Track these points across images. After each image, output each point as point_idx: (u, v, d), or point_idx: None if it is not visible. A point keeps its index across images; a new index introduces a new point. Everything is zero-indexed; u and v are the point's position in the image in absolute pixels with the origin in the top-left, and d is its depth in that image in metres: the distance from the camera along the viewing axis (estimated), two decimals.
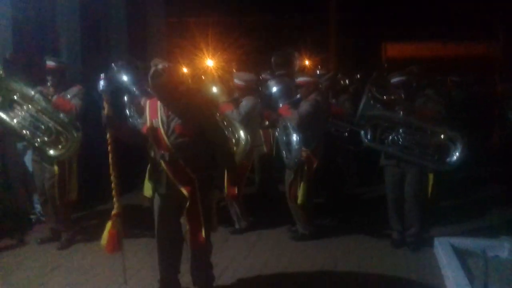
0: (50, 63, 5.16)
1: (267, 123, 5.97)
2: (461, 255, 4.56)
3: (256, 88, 6.11)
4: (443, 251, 4.62)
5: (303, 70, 8.65)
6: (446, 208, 6.30)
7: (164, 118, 3.73)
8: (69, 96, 5.13)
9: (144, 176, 4.04)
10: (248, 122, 5.41)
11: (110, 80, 4.11)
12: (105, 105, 3.73)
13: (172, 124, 3.71)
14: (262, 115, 5.96)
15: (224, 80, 5.99)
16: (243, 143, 5.12)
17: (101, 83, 3.77)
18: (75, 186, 5.29)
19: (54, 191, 5.13)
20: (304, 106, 5.19)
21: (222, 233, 5.44)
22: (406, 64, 7.03)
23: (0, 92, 4.93)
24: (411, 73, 5.23)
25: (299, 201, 5.25)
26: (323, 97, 5.46)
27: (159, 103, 3.78)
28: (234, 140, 5.17)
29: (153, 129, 3.73)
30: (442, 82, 9.38)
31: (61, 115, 4.98)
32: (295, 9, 15.89)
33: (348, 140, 5.98)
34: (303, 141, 5.07)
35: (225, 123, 5.28)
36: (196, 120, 3.73)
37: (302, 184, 5.22)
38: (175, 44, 11.88)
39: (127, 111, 5.34)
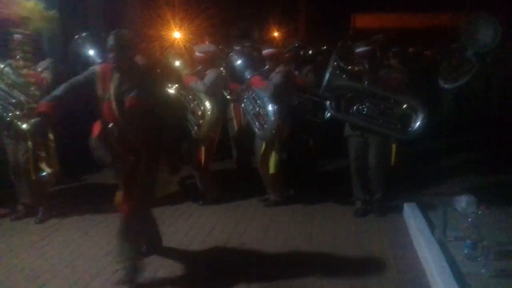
0: (16, 36, 5.04)
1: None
2: (424, 210, 5.03)
3: (218, 59, 6.04)
4: (410, 211, 5.02)
5: (280, 42, 8.68)
6: (409, 176, 6.47)
7: (116, 90, 3.67)
8: (39, 69, 5.08)
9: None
10: (213, 93, 5.38)
11: None
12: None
13: (124, 96, 3.66)
14: (228, 88, 6.01)
15: (191, 53, 5.92)
16: (209, 113, 5.15)
17: None
18: (55, 160, 5.24)
19: (29, 166, 5.08)
20: (278, 77, 5.24)
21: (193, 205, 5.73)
22: (372, 34, 7.12)
23: None
24: (375, 42, 5.28)
25: (271, 170, 5.38)
26: (289, 69, 5.51)
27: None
28: (200, 112, 5.22)
29: (104, 100, 3.70)
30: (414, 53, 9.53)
31: (32, 88, 4.92)
32: None
33: (313, 112, 5.93)
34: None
35: (190, 96, 5.32)
36: (148, 94, 3.71)
37: (273, 154, 5.34)
38: (147, 16, 11.73)
39: None
